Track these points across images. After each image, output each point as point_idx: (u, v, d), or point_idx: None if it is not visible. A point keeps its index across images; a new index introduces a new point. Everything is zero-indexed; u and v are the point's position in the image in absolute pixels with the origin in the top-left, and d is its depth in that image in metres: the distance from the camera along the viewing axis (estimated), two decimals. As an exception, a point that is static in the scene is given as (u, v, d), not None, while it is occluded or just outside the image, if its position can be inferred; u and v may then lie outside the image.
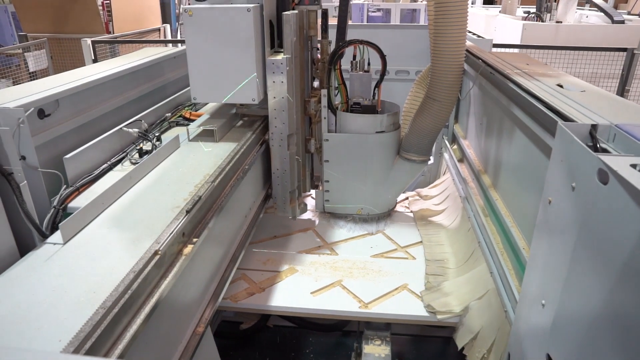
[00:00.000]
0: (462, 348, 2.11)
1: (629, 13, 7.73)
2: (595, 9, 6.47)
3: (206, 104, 2.88)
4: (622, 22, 5.85)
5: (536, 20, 6.31)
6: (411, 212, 3.08)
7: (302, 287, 2.33)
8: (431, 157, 3.62)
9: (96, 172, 1.91)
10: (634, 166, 1.06)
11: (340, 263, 2.53)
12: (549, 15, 6.61)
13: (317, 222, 2.99)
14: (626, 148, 1.27)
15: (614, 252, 1.02)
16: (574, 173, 1.22)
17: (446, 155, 3.35)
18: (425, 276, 2.43)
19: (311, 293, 2.29)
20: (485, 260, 2.22)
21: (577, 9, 6.81)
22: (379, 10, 9.92)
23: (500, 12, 7.51)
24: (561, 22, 6.17)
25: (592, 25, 5.89)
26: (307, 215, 3.04)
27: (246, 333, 2.61)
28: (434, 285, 2.34)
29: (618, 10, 6.86)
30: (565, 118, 1.48)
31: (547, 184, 1.38)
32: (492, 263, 2.13)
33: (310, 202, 3.17)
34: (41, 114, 1.81)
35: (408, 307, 2.22)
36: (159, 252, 1.32)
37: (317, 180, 3.05)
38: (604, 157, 1.08)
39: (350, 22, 8.48)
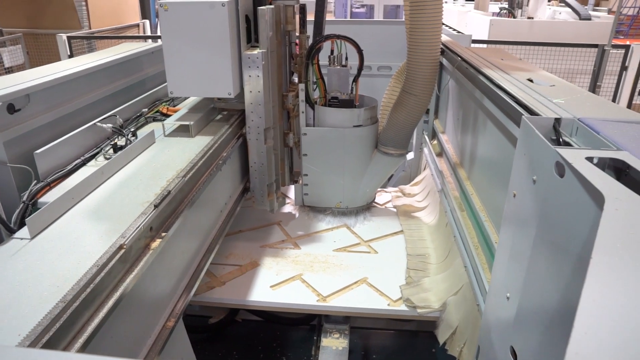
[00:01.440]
0: (444, 344, 2.12)
1: (594, 9, 7.83)
2: (566, 6, 6.54)
3: (184, 99, 2.88)
4: (589, 18, 5.95)
5: (507, 16, 6.37)
6: (394, 207, 3.10)
7: (263, 281, 2.36)
8: (411, 153, 3.64)
9: (68, 167, 1.89)
10: (589, 159, 1.08)
11: (302, 257, 2.56)
12: (520, 11, 6.68)
13: (297, 215, 3.02)
14: (587, 142, 1.28)
15: (569, 245, 1.04)
16: (534, 166, 1.24)
17: (426, 151, 3.37)
18: (406, 270, 2.45)
19: (271, 287, 2.31)
20: (460, 254, 2.25)
21: (548, 6, 6.89)
22: (362, 6, 9.95)
23: (474, 8, 7.56)
24: (532, 18, 6.23)
25: (560, 22, 5.99)
26: (286, 209, 3.07)
27: (215, 327, 2.61)
28: (414, 280, 2.36)
29: (586, 7, 6.94)
30: (531, 112, 1.50)
31: (512, 177, 1.40)
32: (466, 257, 2.15)
33: (290, 195, 3.19)
34: (11, 108, 1.79)
35: (367, 301, 2.24)
36: (124, 246, 1.31)
37: (296, 175, 3.05)
38: (561, 150, 1.10)
39: (333, 18, 8.50)
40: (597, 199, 0.91)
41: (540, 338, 1.18)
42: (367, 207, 3.05)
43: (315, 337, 2.34)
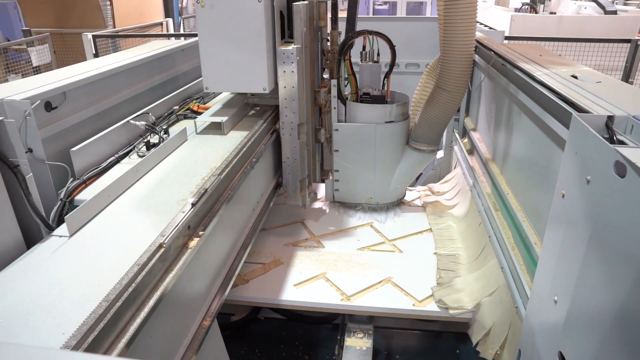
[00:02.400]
0: (476, 344, 2.08)
1: (625, 3, 7.59)
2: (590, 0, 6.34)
3: (214, 97, 2.88)
4: (615, 12, 5.76)
5: (529, 12, 6.21)
6: (422, 205, 3.05)
7: (286, 280, 2.34)
8: (441, 151, 3.58)
9: (103, 165, 1.90)
10: (652, 158, 1.02)
11: (326, 256, 2.52)
12: (542, 6, 6.51)
13: (327, 211, 3.02)
14: (644, 140, 1.22)
15: (630, 248, 0.99)
16: (589, 166, 1.18)
17: (456, 149, 3.30)
18: (437, 271, 2.40)
19: (294, 285, 2.29)
20: (496, 255, 2.19)
21: (573, 0, 6.69)
22: (385, 2, 9.85)
23: (494, 4, 7.42)
24: (555, 13, 6.07)
25: (584, 17, 5.80)
26: (317, 205, 3.07)
27: (237, 325, 2.60)
28: (445, 280, 2.31)
29: (615, 1, 6.73)
30: (579, 109, 1.44)
31: (561, 177, 1.34)
32: (502, 258, 2.09)
33: (320, 192, 3.19)
34: (48, 106, 1.80)
35: (391, 300, 2.20)
36: (164, 245, 1.30)
37: (326, 173, 3.06)
38: (622, 149, 1.04)
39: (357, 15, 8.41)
40: (667, 201, 0.86)
41: (594, 344, 1.13)
42: (397, 204, 3.03)
43: (338, 337, 2.31)
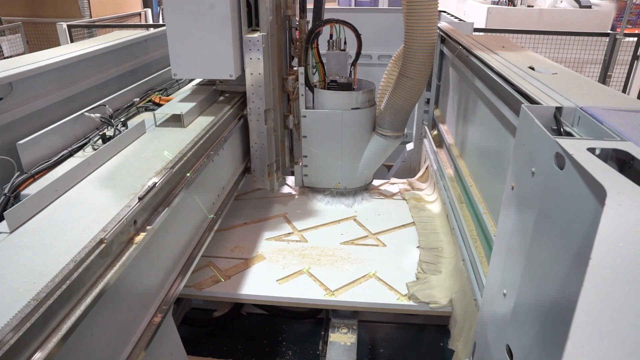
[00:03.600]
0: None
1: None
2: None
3: (178, 88, 2.83)
4: (589, 6, 5.84)
5: (508, 5, 6.24)
6: (403, 199, 3.03)
7: (269, 275, 2.30)
8: (411, 143, 3.58)
9: (54, 158, 1.83)
10: (591, 150, 1.01)
11: (309, 250, 2.50)
12: None
13: (296, 196, 3.05)
14: (589, 132, 1.22)
15: (569, 240, 0.98)
16: (534, 157, 1.17)
17: (426, 142, 3.30)
18: (418, 262, 2.39)
19: (277, 281, 2.26)
20: (459, 248, 2.19)
21: None
22: (367, -7, 9.80)
23: None
24: (532, 6, 6.11)
25: (559, 10, 5.85)
26: (286, 190, 3.10)
27: (219, 320, 2.57)
28: (425, 273, 2.29)
29: None
30: (532, 100, 1.43)
31: (511, 169, 1.34)
32: (464, 251, 2.09)
33: (290, 179, 3.21)
34: (-8, 97, 1.73)
35: (375, 295, 2.18)
36: (105, 241, 1.26)
37: (296, 158, 3.12)
38: (561, 141, 1.03)
39: (337, 6, 8.38)
40: (599, 192, 0.85)
41: (536, 337, 1.12)
42: (365, 188, 3.10)
43: (322, 332, 2.29)
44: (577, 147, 0.99)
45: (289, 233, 2.66)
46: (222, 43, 2.24)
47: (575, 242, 0.95)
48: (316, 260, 2.41)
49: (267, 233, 2.65)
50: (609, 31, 5.32)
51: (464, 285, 2.07)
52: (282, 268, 2.35)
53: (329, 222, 2.78)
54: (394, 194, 3.10)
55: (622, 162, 1.05)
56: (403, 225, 2.74)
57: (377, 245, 2.56)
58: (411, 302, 2.14)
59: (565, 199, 1.00)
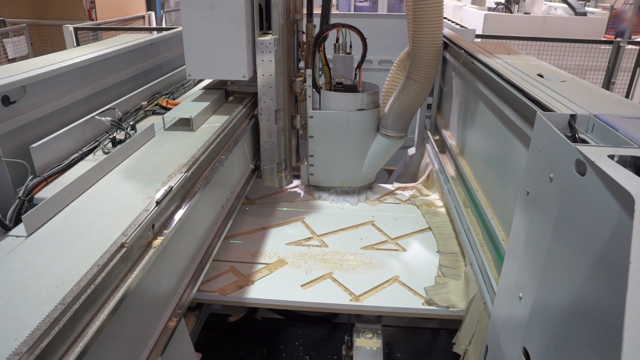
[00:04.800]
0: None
1: (596, 5, 7.81)
2: (562, 2, 6.51)
3: (184, 92, 2.84)
4: (585, 14, 5.94)
5: (504, 12, 6.31)
6: (416, 206, 3.04)
7: (292, 280, 2.29)
8: (413, 148, 3.61)
9: (66, 162, 1.84)
10: (611, 157, 1.04)
11: (330, 255, 2.49)
12: (517, 6, 6.62)
13: (302, 194, 3.12)
14: (604, 139, 1.25)
15: (589, 245, 1.00)
16: (552, 163, 1.20)
17: (428, 147, 3.32)
18: (438, 267, 2.39)
19: (301, 286, 2.24)
20: (466, 251, 2.21)
21: (545, 1, 6.83)
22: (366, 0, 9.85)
23: (470, 3, 7.51)
24: (529, 13, 6.19)
25: (555, 17, 5.95)
26: (293, 188, 3.17)
27: (234, 325, 2.57)
28: (445, 278, 2.30)
29: (587, 3, 6.91)
30: (544, 108, 1.46)
31: (526, 174, 1.36)
32: (472, 254, 2.11)
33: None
34: (5, 100, 1.73)
35: (399, 300, 2.18)
36: (126, 245, 1.27)
37: (299, 159, 3.23)
38: (582, 148, 1.06)
39: (337, 12, 8.43)
40: (624, 199, 0.87)
41: (556, 339, 1.15)
42: (369, 187, 3.18)
43: (346, 337, 2.28)
44: (598, 155, 1.02)
45: (309, 238, 2.65)
46: (236, 45, 2.33)
47: (597, 246, 0.97)
48: (338, 265, 2.41)
49: (287, 238, 2.65)
50: (597, 38, 5.42)
51: (472, 288, 2.09)
52: (305, 273, 2.34)
53: (348, 227, 2.78)
54: (408, 199, 3.13)
55: (639, 169, 1.07)
56: (421, 230, 2.75)
57: (397, 250, 2.56)
58: (434, 307, 2.13)
59: (587, 204, 1.02)
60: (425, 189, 3.20)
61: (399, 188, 3.22)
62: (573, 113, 1.33)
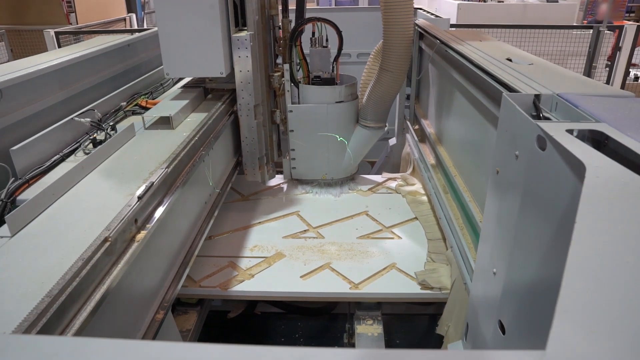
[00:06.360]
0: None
1: None
2: None
3: (163, 92, 2.86)
4: (556, 1, 6.05)
5: (478, 0, 6.38)
6: (402, 196, 3.09)
7: (292, 272, 2.33)
8: (394, 138, 3.66)
9: (47, 163, 1.85)
10: (570, 131, 1.09)
11: (327, 246, 2.53)
12: None
13: (285, 188, 3.16)
14: (566, 116, 1.30)
15: (551, 216, 1.06)
16: (517, 141, 1.25)
17: (408, 136, 3.38)
18: (427, 254, 2.44)
19: (301, 277, 2.28)
20: (446, 235, 2.27)
21: None
22: (347, -7, 9.85)
23: None
24: (502, 1, 6.27)
25: (528, 4, 6.04)
26: (275, 182, 3.20)
27: (234, 321, 2.59)
28: (435, 263, 2.35)
29: None
30: (511, 89, 1.51)
31: (495, 154, 1.41)
32: (452, 238, 2.17)
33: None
34: (-17, 105, 1.74)
35: (398, 286, 2.23)
36: (109, 239, 1.29)
37: (281, 153, 3.24)
38: (542, 124, 1.11)
39: (317, 7, 8.42)
40: (578, 168, 0.93)
41: (525, 310, 1.20)
42: (352, 178, 3.22)
43: (347, 325, 2.32)
44: (556, 129, 1.07)
45: (305, 230, 2.69)
46: (212, 42, 2.35)
47: (557, 217, 1.03)
48: (336, 255, 2.45)
49: (283, 231, 2.68)
50: (568, 24, 5.53)
51: (453, 271, 2.15)
52: (303, 264, 2.38)
53: (343, 217, 2.82)
54: (395, 189, 3.18)
55: (598, 142, 1.13)
56: (415, 218, 2.81)
57: (392, 238, 2.61)
58: (433, 291, 2.18)
59: (548, 177, 1.08)
60: (411, 178, 3.26)
61: (389, 179, 3.27)
62: (537, 93, 1.39)
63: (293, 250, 2.50)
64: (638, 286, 0.60)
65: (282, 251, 2.49)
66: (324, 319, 2.79)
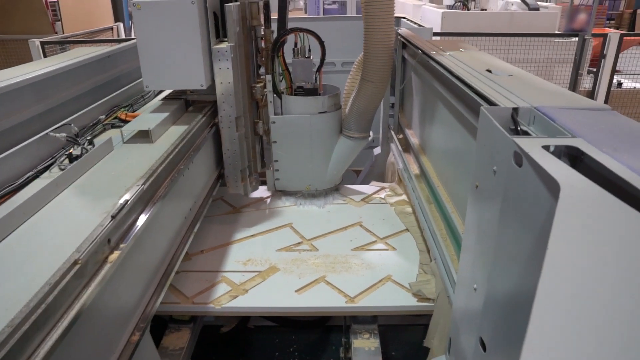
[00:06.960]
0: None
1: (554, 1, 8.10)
2: None
3: (144, 104, 2.82)
4: (537, 9, 6.15)
5: (462, 9, 6.44)
6: (390, 205, 3.07)
7: (286, 286, 2.28)
8: (378, 147, 3.65)
9: (20, 180, 1.80)
10: (546, 147, 1.08)
11: (322, 259, 2.49)
12: (474, 3, 6.78)
13: (269, 201, 3.12)
14: (544, 130, 1.29)
15: (527, 234, 1.04)
16: (494, 157, 1.23)
17: (393, 146, 3.37)
18: (419, 265, 2.40)
19: (296, 291, 2.24)
20: (430, 247, 2.25)
21: None
22: (334, 2, 9.87)
23: (428, 1, 7.63)
24: (485, 9, 6.34)
25: (510, 13, 6.13)
26: (258, 194, 3.16)
27: (227, 336, 2.55)
28: (427, 275, 2.32)
29: None
30: (490, 102, 1.50)
31: (474, 169, 1.40)
32: (435, 250, 2.15)
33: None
34: (-48, 121, 1.69)
35: (394, 298, 2.20)
36: (79, 262, 1.25)
37: (264, 165, 3.20)
38: (518, 140, 1.10)
39: (305, 15, 8.41)
40: (553, 187, 0.91)
41: (504, 327, 1.18)
42: (336, 189, 3.20)
43: (343, 340, 2.28)
44: (532, 145, 1.06)
45: (299, 243, 2.65)
46: (192, 54, 2.33)
47: (533, 235, 1.01)
48: (331, 268, 2.41)
49: (277, 244, 2.63)
50: (550, 32, 5.60)
51: (438, 283, 2.13)
52: (298, 278, 2.33)
53: (337, 229, 2.78)
54: (384, 199, 3.15)
55: (574, 158, 1.12)
56: (408, 230, 2.77)
57: (387, 249, 2.57)
58: (430, 303, 2.15)
59: (524, 195, 1.06)
60: (398, 188, 3.24)
61: (382, 189, 3.24)
62: (515, 106, 1.37)
63: (287, 264, 2.45)
64: (608, 305, 0.58)
65: (276, 264, 2.44)
66: (319, 331, 2.75)
